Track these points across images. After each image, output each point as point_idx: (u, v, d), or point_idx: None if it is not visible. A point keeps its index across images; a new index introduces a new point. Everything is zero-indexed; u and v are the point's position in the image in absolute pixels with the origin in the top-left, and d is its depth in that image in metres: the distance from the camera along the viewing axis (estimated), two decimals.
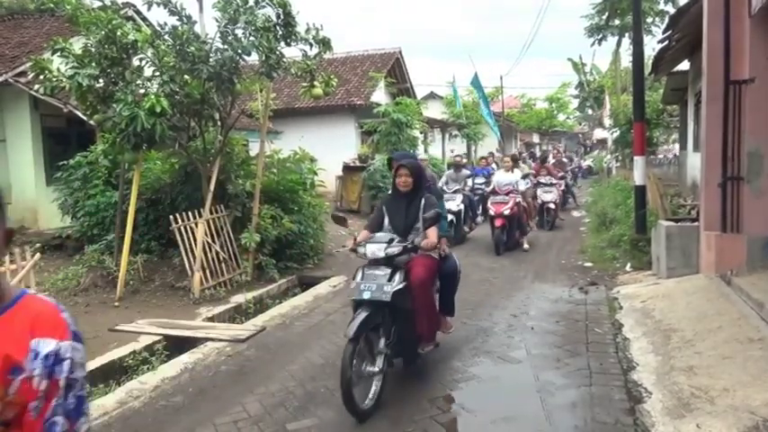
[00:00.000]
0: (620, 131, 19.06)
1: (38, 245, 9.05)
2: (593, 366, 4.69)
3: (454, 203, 10.54)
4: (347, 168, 15.60)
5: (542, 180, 13.09)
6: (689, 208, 9.48)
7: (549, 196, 12.83)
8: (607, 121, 25.64)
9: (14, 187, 11.74)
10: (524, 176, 11.53)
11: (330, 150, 15.40)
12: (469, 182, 11.89)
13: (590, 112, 46.90)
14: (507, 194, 10.06)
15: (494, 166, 16.47)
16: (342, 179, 15.42)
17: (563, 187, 15.81)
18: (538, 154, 24.45)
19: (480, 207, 13.17)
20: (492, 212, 9.99)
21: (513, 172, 10.54)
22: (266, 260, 8.25)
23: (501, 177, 10.53)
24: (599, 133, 42.00)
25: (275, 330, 6.06)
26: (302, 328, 6.10)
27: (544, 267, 8.86)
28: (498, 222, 9.87)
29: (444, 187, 10.84)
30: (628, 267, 8.34)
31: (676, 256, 6.96)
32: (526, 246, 10.50)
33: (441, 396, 4.24)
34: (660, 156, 27.19)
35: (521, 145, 39.27)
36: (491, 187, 10.62)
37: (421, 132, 18.74)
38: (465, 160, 13.50)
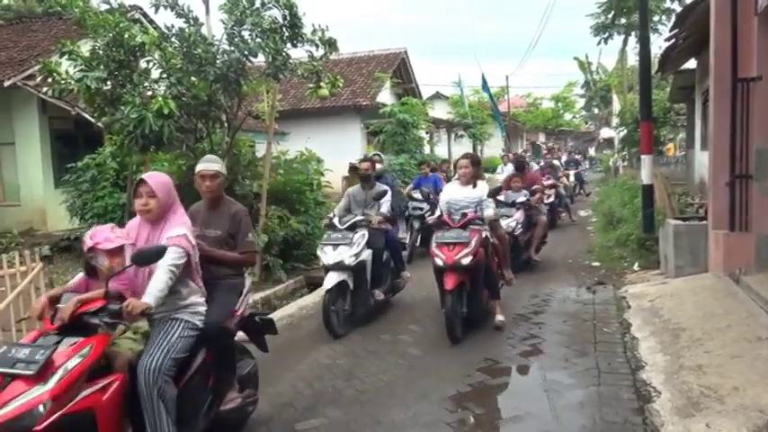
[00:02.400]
0: (626, 130, 19.00)
1: (46, 247, 9.11)
2: (602, 366, 4.68)
3: (349, 252, 5.88)
4: (353, 169, 15.58)
5: (501, 198, 8.26)
6: (697, 207, 9.45)
7: (504, 225, 7.59)
8: (614, 120, 25.59)
9: (23, 189, 11.84)
10: (495, 192, 7.07)
11: (336, 151, 15.42)
12: (385, 205, 6.49)
13: (596, 111, 46.80)
14: (465, 226, 5.55)
15: (502, 169, 14.93)
16: (348, 180, 15.41)
17: (553, 198, 12.50)
18: (544, 152, 22.02)
19: (416, 242, 9.70)
20: (438, 262, 5.44)
21: (474, 186, 5.86)
22: (273, 261, 8.27)
23: (454, 194, 5.91)
24: (606, 132, 41.90)
25: (283, 331, 6.04)
26: (309, 329, 6.12)
27: (551, 267, 8.84)
28: (450, 282, 5.29)
29: (337, 224, 6.26)
30: (635, 267, 8.31)
31: (684, 255, 6.93)
32: (536, 258, 8.72)
33: (448, 396, 4.24)
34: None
35: (527, 144, 39.17)
36: (436, 214, 6.08)
37: (427, 132, 18.78)
38: (381, 166, 7.90)
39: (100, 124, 8.04)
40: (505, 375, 4.67)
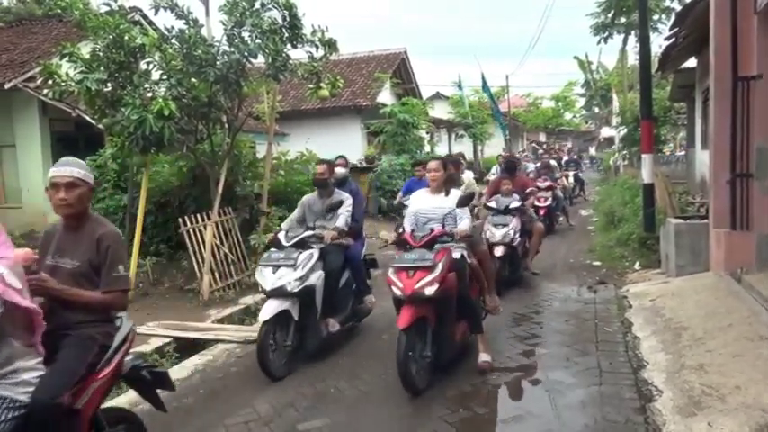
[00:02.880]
0: (627, 129, 19.00)
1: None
2: (603, 365, 4.68)
3: (292, 276, 4.90)
4: (354, 169, 15.59)
5: (492, 204, 7.65)
6: (698, 206, 9.44)
7: (499, 235, 7.20)
8: (614, 119, 25.57)
9: (24, 191, 11.83)
10: (465, 201, 4.77)
11: (337, 152, 15.33)
12: (342, 217, 5.54)
13: (597, 110, 46.78)
14: (429, 245, 4.44)
15: (496, 170, 13.89)
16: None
17: (550, 201, 11.80)
18: (540, 152, 21.17)
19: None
20: (396, 292, 4.33)
21: (447, 194, 4.82)
22: None
23: (422, 204, 4.90)
24: (606, 131, 41.89)
25: None
26: None
27: (552, 266, 8.84)
28: (404, 318, 4.16)
29: (282, 240, 5.23)
30: (637, 266, 8.31)
31: (685, 254, 6.93)
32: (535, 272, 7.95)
33: (450, 396, 4.24)
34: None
35: (528, 144, 39.17)
36: (406, 228, 4.83)
37: (427, 133, 18.78)
38: (344, 171, 6.29)
39: (100, 126, 8.06)
40: (507, 375, 4.67)
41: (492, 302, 5.35)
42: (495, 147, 27.88)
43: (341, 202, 5.53)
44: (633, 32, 26.18)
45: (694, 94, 13.63)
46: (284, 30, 7.45)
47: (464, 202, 4.66)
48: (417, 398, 4.19)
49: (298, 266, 4.87)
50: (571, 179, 17.91)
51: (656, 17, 24.58)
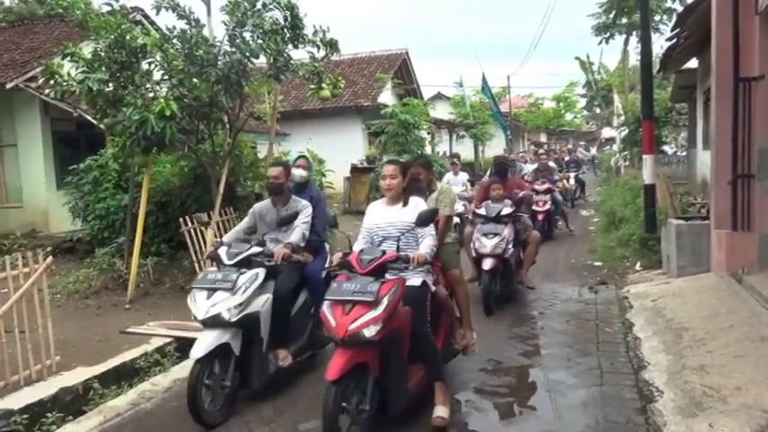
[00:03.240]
0: (628, 130, 18.98)
1: (49, 248, 9.13)
2: (604, 366, 4.68)
3: (230, 302, 4.09)
4: (355, 170, 15.63)
5: (481, 211, 6.78)
6: (699, 206, 9.43)
7: (489, 246, 6.36)
8: (615, 120, 25.56)
9: (25, 191, 11.85)
10: (426, 219, 3.81)
11: (338, 152, 15.46)
12: (298, 230, 4.75)
13: (598, 111, 46.79)
14: (374, 273, 3.54)
15: (524, 166, 13.56)
16: (350, 180, 15.46)
17: (549, 205, 11.03)
18: (541, 152, 19.53)
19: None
20: (327, 331, 3.52)
21: (405, 204, 4.00)
22: None
23: (377, 217, 4.09)
24: (607, 132, 41.88)
25: None
26: None
27: (553, 267, 8.83)
28: (335, 367, 3.27)
29: (223, 256, 4.47)
30: (638, 266, 8.31)
31: (687, 255, 6.93)
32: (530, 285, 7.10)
33: (451, 396, 4.24)
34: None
35: (528, 145, 39.17)
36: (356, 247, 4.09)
37: (428, 133, 18.76)
38: (303, 174, 5.26)
39: (102, 126, 8.06)
40: (508, 375, 4.67)
41: (465, 339, 4.51)
42: (496, 147, 27.88)
43: (295, 214, 4.70)
44: (634, 33, 26.17)
45: (695, 94, 13.62)
46: (286, 30, 7.46)
47: (424, 220, 3.75)
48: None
49: (237, 290, 4.03)
50: (572, 180, 17.47)
51: (657, 18, 24.59)
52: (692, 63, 12.11)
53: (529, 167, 13.72)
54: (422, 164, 4.79)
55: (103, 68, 6.86)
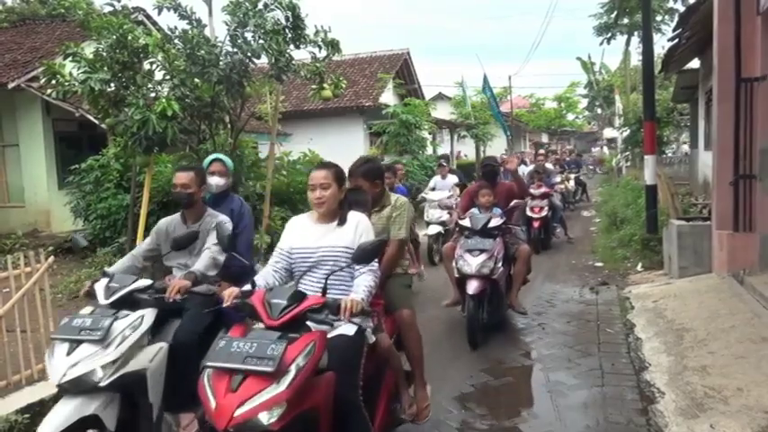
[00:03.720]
0: (630, 130, 18.99)
1: (50, 248, 9.14)
2: (605, 366, 4.68)
3: (101, 359, 2.86)
4: None
5: (465, 222, 5.68)
6: (700, 207, 9.43)
7: (475, 265, 5.29)
8: (617, 120, 25.54)
9: (27, 190, 11.87)
10: (370, 254, 2.81)
11: (339, 152, 15.39)
12: (206, 255, 3.59)
13: (599, 111, 46.77)
14: (290, 326, 2.50)
15: (522, 167, 11.85)
16: (351, 180, 15.44)
17: (546, 211, 10.13)
18: (540, 152, 18.32)
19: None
20: (206, 414, 2.41)
21: (341, 223, 3.01)
22: None
23: (299, 239, 3.03)
24: (608, 132, 41.86)
25: None
26: None
27: (554, 268, 8.83)
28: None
29: (99, 294, 3.19)
30: (639, 267, 8.30)
31: (688, 256, 6.92)
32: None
33: (452, 397, 4.24)
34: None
35: (530, 145, 39.16)
36: (259, 280, 2.95)
37: (429, 133, 18.76)
38: (221, 181, 4.22)
39: (104, 126, 8.07)
40: (509, 376, 4.67)
41: (415, 404, 3.42)
42: (498, 148, 27.87)
43: (194, 235, 3.58)
44: (636, 33, 26.17)
45: (697, 95, 13.62)
46: (287, 30, 7.46)
47: (366, 256, 2.75)
48: None
49: (111, 341, 2.88)
50: (572, 182, 16.94)
51: (659, 18, 24.57)
52: (694, 63, 12.12)
53: (522, 169, 12.70)
54: (364, 173, 3.69)
55: (105, 68, 6.86)
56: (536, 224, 9.98)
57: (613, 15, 26.99)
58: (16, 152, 11.94)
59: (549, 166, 12.99)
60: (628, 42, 28.49)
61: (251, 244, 4.22)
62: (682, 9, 15.55)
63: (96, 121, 8.97)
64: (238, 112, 7.99)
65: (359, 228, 2.95)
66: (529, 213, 9.91)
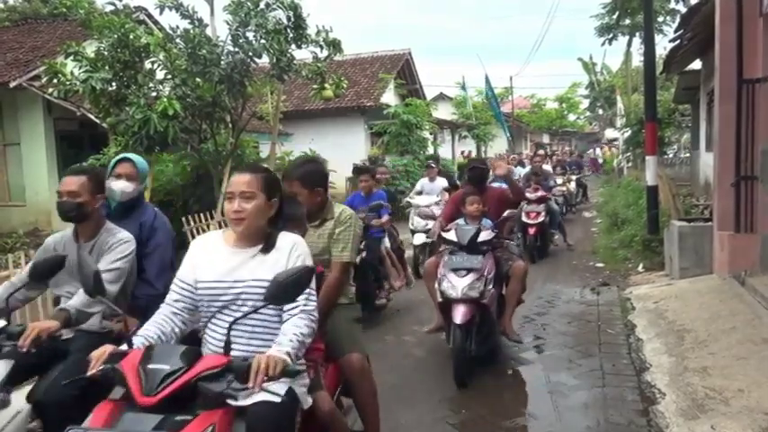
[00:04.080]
0: (631, 131, 18.97)
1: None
2: (606, 367, 4.67)
3: None
4: (357, 169, 15.60)
5: (450, 235, 4.76)
6: (702, 208, 9.42)
7: (461, 288, 4.40)
8: (618, 121, 25.53)
9: (28, 190, 11.88)
10: (289, 289, 1.99)
11: (340, 152, 15.46)
12: (79, 296, 2.73)
13: (600, 112, 46.76)
14: (183, 402, 1.81)
15: (515, 169, 11.82)
16: (352, 180, 15.45)
17: (543, 217, 9.22)
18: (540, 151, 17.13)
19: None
20: None
21: (266, 249, 2.22)
22: None
23: (208, 266, 2.24)
24: (610, 133, 41.85)
25: None
26: None
27: (555, 268, 8.82)
28: None
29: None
30: (640, 268, 8.29)
31: (689, 257, 6.91)
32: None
33: (452, 397, 4.24)
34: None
35: (531, 146, 39.16)
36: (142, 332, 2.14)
37: (431, 133, 18.77)
38: (128, 187, 3.24)
39: (105, 125, 8.09)
40: (509, 376, 4.66)
41: None
42: (499, 148, 27.87)
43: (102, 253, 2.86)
44: (638, 34, 26.08)
45: (699, 96, 13.60)
46: (289, 30, 7.48)
47: (283, 291, 1.97)
48: (418, 399, 4.19)
49: None
50: (573, 184, 16.03)
51: (660, 19, 24.52)
52: (696, 64, 12.09)
53: (518, 171, 12.06)
54: (301, 177, 2.93)
55: (107, 68, 6.88)
56: (532, 231, 9.05)
57: (615, 16, 26.94)
58: (17, 151, 11.95)
59: (547, 167, 11.96)
60: (629, 43, 28.42)
61: (166, 266, 3.14)
62: (683, 10, 15.54)
63: (97, 121, 8.99)
64: (239, 111, 8.01)
65: (293, 254, 2.21)
66: (524, 219, 9.06)
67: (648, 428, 3.63)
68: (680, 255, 6.97)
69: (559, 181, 12.71)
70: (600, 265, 8.88)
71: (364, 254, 5.73)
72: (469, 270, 4.45)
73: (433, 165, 9.39)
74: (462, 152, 25.60)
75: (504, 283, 4.98)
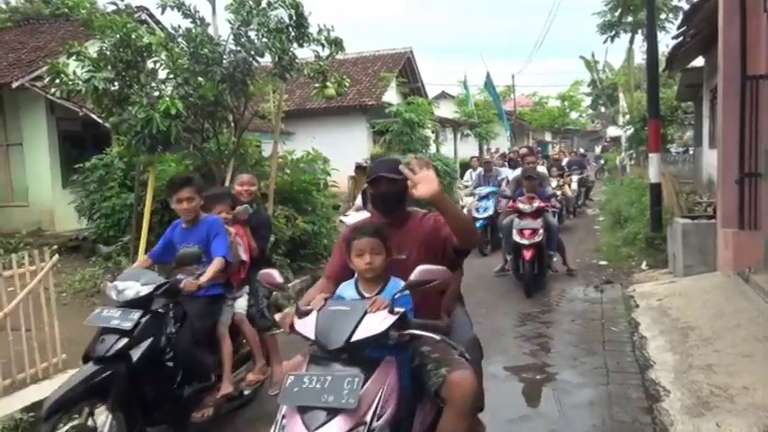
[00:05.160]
0: (633, 129, 18.94)
1: (55, 246, 9.16)
2: (610, 365, 4.66)
3: None
4: (360, 168, 15.58)
5: (299, 330, 2.35)
6: (705, 205, 9.40)
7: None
8: (621, 119, 25.47)
9: (31, 190, 11.89)
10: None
11: (342, 151, 15.43)
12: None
13: (603, 109, 46.69)
14: None
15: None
16: (354, 179, 15.44)
17: (540, 235, 7.20)
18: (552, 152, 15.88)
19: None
20: None
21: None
22: (280, 260, 8.27)
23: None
24: (612, 131, 41.79)
25: None
26: None
27: (559, 266, 8.80)
28: None
29: None
30: (643, 265, 8.28)
31: (693, 254, 6.90)
32: None
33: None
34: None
35: (533, 143, 39.11)
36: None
37: (433, 132, 18.73)
38: None
39: (107, 125, 8.07)
40: (513, 374, 4.65)
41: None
42: (500, 146, 27.83)
43: None
44: (640, 31, 26.08)
45: (701, 93, 13.57)
46: (291, 29, 7.45)
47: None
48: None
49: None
50: (574, 185, 14.37)
51: (663, 16, 24.49)
52: (698, 61, 12.06)
53: (505, 172, 10.71)
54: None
55: (109, 67, 6.87)
56: (528, 254, 7.07)
57: (617, 13, 26.92)
58: (20, 151, 11.95)
59: (541, 170, 9.88)
60: (631, 40, 28.41)
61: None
62: (686, 7, 15.50)
63: (100, 120, 8.98)
64: (242, 110, 7.99)
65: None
66: (517, 239, 7.17)
67: (653, 426, 3.62)
68: (683, 252, 6.96)
69: (554, 184, 10.74)
70: (603, 262, 8.87)
71: None
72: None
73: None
74: (496, 149, 24.72)
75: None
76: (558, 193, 10.46)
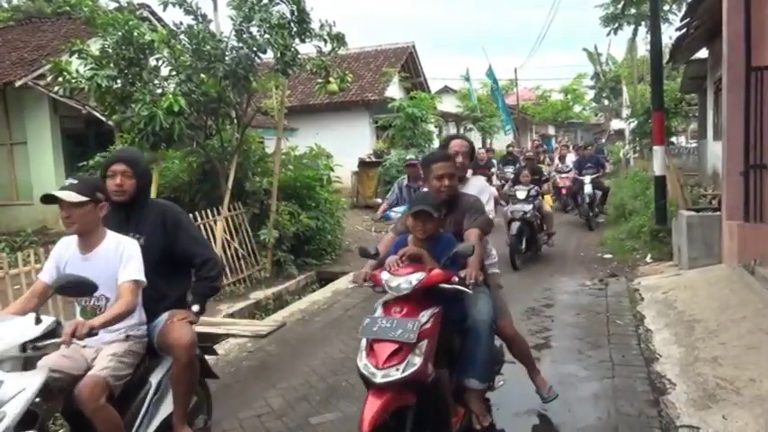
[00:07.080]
0: (637, 121, 18.85)
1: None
2: (616, 358, 4.66)
3: None
4: (363, 164, 15.63)
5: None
6: (710, 197, 9.36)
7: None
8: (624, 112, 25.37)
9: (35, 188, 11.92)
10: None
11: (345, 146, 15.43)
12: None
13: (606, 102, 46.52)
14: None
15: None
16: (358, 174, 15.46)
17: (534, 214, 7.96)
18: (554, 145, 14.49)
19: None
20: None
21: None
22: (284, 256, 8.30)
23: None
24: (616, 124, 41.65)
25: (295, 326, 6.10)
26: (322, 324, 6.13)
27: (563, 260, 8.80)
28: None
29: None
30: (648, 258, 8.26)
31: (698, 247, 6.88)
32: None
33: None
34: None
35: (537, 137, 39.00)
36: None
37: (435, 126, 18.71)
38: None
39: (111, 122, 8.10)
40: (518, 368, 4.65)
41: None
42: (503, 140, 27.76)
43: None
44: (643, 23, 25.96)
45: (705, 85, 13.51)
46: (292, 24, 7.45)
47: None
48: None
49: None
50: (588, 188, 11.59)
51: (666, 8, 24.35)
52: (702, 53, 12.00)
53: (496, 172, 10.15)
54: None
55: (111, 65, 6.88)
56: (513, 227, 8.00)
57: (620, 5, 26.77)
58: (24, 150, 11.99)
59: (540, 165, 9.43)
60: (635, 33, 28.27)
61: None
62: None
63: (103, 118, 9.00)
64: (244, 107, 8.00)
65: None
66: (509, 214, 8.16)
67: (659, 419, 3.62)
68: (688, 245, 6.94)
69: (521, 196, 8.41)
70: (608, 256, 8.86)
71: None
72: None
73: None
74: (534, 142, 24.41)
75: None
76: (528, 209, 8.23)
